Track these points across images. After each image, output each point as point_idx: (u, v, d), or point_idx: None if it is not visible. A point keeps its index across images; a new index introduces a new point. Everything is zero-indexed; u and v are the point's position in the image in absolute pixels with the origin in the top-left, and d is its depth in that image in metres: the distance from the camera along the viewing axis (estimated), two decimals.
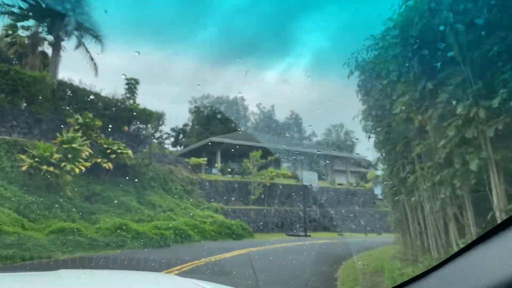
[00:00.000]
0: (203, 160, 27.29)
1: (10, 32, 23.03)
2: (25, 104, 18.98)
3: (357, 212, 29.62)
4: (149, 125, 26.48)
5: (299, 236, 22.01)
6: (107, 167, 17.83)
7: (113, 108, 22.01)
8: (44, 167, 14.65)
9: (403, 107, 6.09)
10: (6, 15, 21.63)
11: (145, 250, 12.95)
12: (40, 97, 18.59)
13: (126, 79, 24.18)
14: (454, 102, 5.12)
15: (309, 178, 26.02)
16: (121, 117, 21.91)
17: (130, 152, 19.04)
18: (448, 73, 5.20)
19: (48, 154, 14.99)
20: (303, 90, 57.06)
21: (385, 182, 10.18)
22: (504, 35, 4.57)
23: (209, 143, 30.06)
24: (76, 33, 22.74)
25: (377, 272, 8.57)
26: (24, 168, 14.63)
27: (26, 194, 13.97)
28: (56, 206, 14.25)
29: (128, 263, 10.27)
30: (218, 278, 8.06)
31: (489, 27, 4.78)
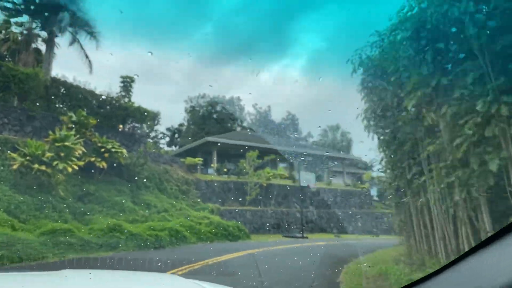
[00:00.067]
0: (198, 160, 26.94)
1: (3, 28, 22.52)
2: (17, 101, 18.50)
3: (354, 214, 29.38)
4: (144, 124, 26.03)
5: (296, 237, 21.69)
6: (101, 166, 17.42)
7: (108, 106, 21.59)
8: (36, 165, 14.21)
9: (413, 104, 5.78)
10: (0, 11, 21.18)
11: (140, 251, 12.57)
12: (32, 94, 18.14)
13: (122, 77, 23.84)
14: (472, 99, 4.80)
15: (306, 178, 25.73)
16: (116, 115, 21.51)
17: (124, 151, 18.63)
18: (464, 68, 4.90)
19: (40, 152, 14.55)
20: (300, 91, 56.84)
21: (390, 184, 9.88)
22: None
23: (205, 143, 29.71)
24: (70, 29, 22.30)
25: (381, 276, 8.26)
26: (15, 167, 14.17)
27: (16, 194, 13.52)
28: (47, 206, 13.82)
29: (122, 265, 9.91)
30: (222, 279, 7.75)
31: None
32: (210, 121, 42.99)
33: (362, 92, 9.69)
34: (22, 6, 21.85)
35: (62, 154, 15.29)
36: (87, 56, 23.00)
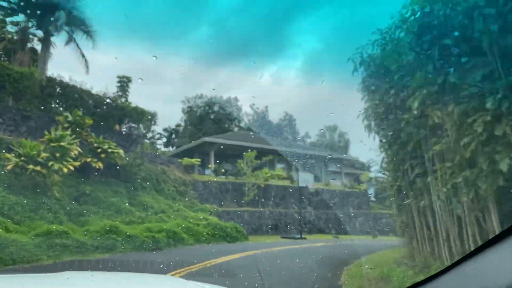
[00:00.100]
0: (196, 160, 26.74)
1: None
2: (12, 101, 18.24)
3: (352, 214, 29.27)
4: (141, 124, 25.80)
5: (295, 238, 21.53)
6: (97, 167, 17.20)
7: (104, 106, 21.37)
8: (31, 166, 13.98)
9: (418, 103, 5.62)
10: None
11: (136, 253, 12.37)
12: (28, 94, 17.90)
13: (118, 77, 23.59)
14: (481, 96, 4.65)
15: (305, 179, 25.58)
16: (113, 115, 21.28)
17: (121, 151, 18.41)
18: (473, 65, 4.75)
19: (35, 152, 14.32)
20: (297, 91, 56.76)
21: (391, 184, 9.73)
22: None
23: (203, 143, 29.51)
24: (66, 28, 22.04)
25: (383, 279, 8.10)
26: (9, 167, 13.94)
27: (10, 195, 13.28)
28: (42, 207, 13.59)
29: (118, 268, 9.72)
30: (223, 280, 7.58)
31: None
32: (208, 122, 42.80)
33: (363, 92, 9.56)
34: (19, 5, 21.58)
35: (57, 155, 15.07)
36: (83, 56, 22.76)
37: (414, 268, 7.51)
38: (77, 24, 21.91)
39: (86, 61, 22.81)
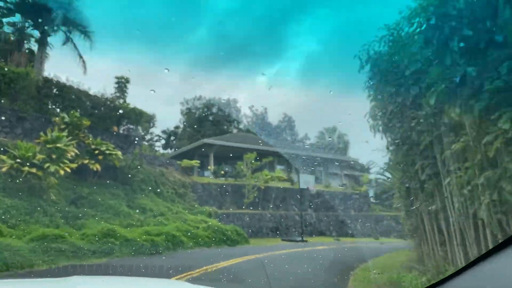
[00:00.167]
0: (195, 162, 26.41)
1: None
2: (8, 102, 17.85)
3: (353, 216, 28.96)
4: (139, 126, 25.46)
5: (296, 241, 21.18)
6: (95, 169, 16.83)
7: (102, 107, 21.00)
8: (26, 168, 13.60)
9: (435, 100, 5.29)
10: None
11: (135, 258, 11.99)
12: (23, 95, 17.54)
13: (116, 77, 23.25)
14: (507, 90, 4.33)
15: (306, 181, 25.26)
16: (110, 116, 20.92)
17: (119, 153, 18.05)
18: (497, 56, 4.44)
19: (30, 154, 13.95)
20: (296, 93, 56.50)
21: (399, 186, 9.39)
22: None
23: (202, 145, 29.19)
24: (63, 28, 21.70)
25: (392, 285, 7.76)
26: (4, 170, 13.56)
27: (5, 198, 12.91)
28: (38, 210, 13.21)
29: (116, 273, 9.37)
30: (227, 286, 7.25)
31: None
32: (206, 123, 42.49)
33: (369, 90, 9.23)
34: (15, 5, 21.24)
35: (54, 156, 14.71)
36: (81, 56, 22.45)
37: (426, 274, 7.17)
38: (74, 25, 21.58)
39: (83, 61, 22.52)
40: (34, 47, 22.46)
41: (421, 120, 6.60)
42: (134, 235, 13.36)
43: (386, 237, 26.16)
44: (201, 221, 18.50)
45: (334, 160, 36.03)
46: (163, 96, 55.32)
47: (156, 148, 40.40)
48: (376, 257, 13.20)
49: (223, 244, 16.88)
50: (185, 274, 9.00)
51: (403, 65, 6.75)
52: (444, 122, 5.78)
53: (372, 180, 36.75)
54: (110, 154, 17.42)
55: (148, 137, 40.97)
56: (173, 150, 40.32)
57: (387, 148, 9.00)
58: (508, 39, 4.28)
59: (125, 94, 23.04)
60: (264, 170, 27.27)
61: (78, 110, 18.54)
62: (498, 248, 1.09)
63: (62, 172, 14.63)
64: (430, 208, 7.49)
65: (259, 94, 54.72)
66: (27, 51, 22.32)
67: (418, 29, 5.75)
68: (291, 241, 21.27)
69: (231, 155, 27.84)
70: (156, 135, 44.09)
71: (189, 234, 15.66)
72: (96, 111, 20.33)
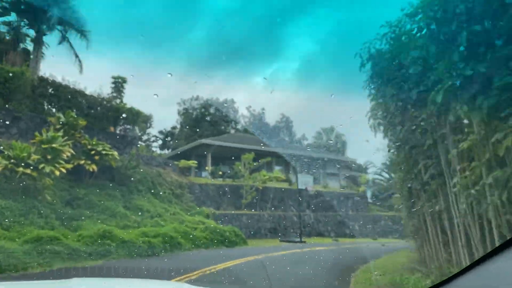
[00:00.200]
0: (193, 162, 26.20)
1: None
2: (2, 101, 17.59)
3: (351, 217, 28.85)
4: (136, 126, 25.23)
5: (294, 242, 21.02)
6: (91, 170, 16.62)
7: (98, 107, 20.78)
8: (21, 169, 13.37)
9: (441, 97, 5.12)
10: None
11: (132, 260, 11.79)
12: (18, 94, 17.28)
13: (113, 77, 23.02)
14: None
15: (304, 181, 25.12)
16: (107, 116, 20.70)
17: (116, 153, 17.84)
18: (508, 52, 4.29)
19: (25, 154, 13.71)
20: (293, 93, 56.41)
21: (400, 186, 9.24)
22: None
23: (199, 145, 28.98)
24: (59, 27, 21.45)
25: (395, 286, 7.60)
26: None
27: None
28: (33, 211, 12.98)
29: (113, 275, 9.17)
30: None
31: None
32: (204, 124, 42.26)
33: (370, 89, 9.08)
34: (11, 4, 20.99)
35: (49, 157, 14.48)
36: (77, 56, 22.18)
37: (429, 276, 7.02)
38: (70, 24, 21.34)
39: (79, 61, 22.25)
40: (30, 46, 22.21)
41: (425, 119, 6.45)
42: (131, 236, 13.15)
43: (385, 238, 26.06)
44: (199, 222, 18.32)
45: (332, 161, 35.90)
46: (160, 96, 55.01)
47: (153, 149, 40.21)
48: (378, 258, 13.04)
49: (221, 245, 16.70)
50: (183, 276, 8.81)
51: (406, 63, 6.60)
52: (450, 120, 5.63)
53: (369, 181, 36.71)
54: (106, 154, 17.21)
55: (145, 137, 40.74)
56: (170, 150, 40.09)
57: (389, 148, 8.85)
58: None
59: (122, 94, 22.84)
60: (262, 170, 27.09)
61: (74, 110, 18.34)
62: (503, 247, 1.07)
63: (57, 173, 14.41)
64: (433, 209, 7.34)
65: (257, 94, 54.58)
66: (22, 50, 22.07)
67: (423, 25, 5.59)
68: (289, 242, 21.11)
69: (229, 155, 27.66)
70: (153, 136, 43.86)
71: (186, 235, 15.48)
72: (92, 111, 20.11)
